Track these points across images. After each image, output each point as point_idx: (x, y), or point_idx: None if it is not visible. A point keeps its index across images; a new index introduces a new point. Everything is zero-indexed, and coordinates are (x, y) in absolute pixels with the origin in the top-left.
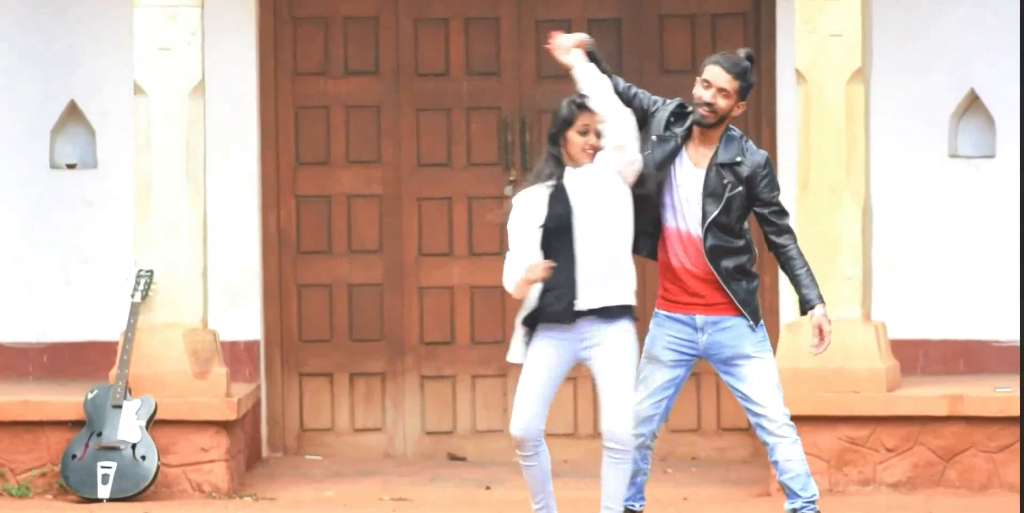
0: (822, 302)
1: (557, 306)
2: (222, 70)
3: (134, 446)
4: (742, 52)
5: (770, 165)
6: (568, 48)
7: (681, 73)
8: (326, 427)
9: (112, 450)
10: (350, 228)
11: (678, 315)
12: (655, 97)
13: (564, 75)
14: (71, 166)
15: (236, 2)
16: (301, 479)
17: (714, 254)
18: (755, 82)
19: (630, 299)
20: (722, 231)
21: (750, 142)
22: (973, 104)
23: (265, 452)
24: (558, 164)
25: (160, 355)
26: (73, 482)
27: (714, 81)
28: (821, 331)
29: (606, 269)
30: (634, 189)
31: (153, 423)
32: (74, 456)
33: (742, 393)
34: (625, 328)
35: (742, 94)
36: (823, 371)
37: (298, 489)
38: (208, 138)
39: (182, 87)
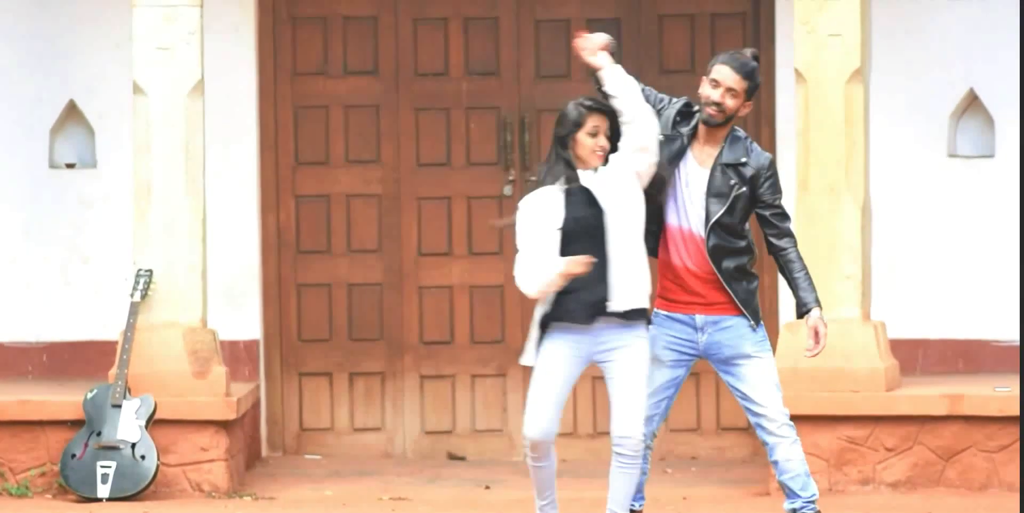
0: (818, 305)
1: (580, 307)
2: (221, 70)
3: (133, 446)
4: (748, 52)
5: (774, 167)
6: (596, 49)
7: (680, 73)
8: (325, 427)
9: (111, 449)
10: (349, 228)
11: (678, 315)
12: (661, 95)
13: (563, 75)
14: (70, 166)
15: (235, 2)
16: (300, 478)
17: (716, 254)
18: (761, 82)
19: (648, 303)
20: (725, 231)
21: (755, 143)
22: (972, 104)
23: (264, 452)
24: (569, 166)
25: (159, 355)
26: (73, 482)
27: (723, 81)
28: (816, 334)
29: (632, 271)
30: (647, 190)
31: (152, 422)
32: (73, 455)
33: (742, 393)
34: (643, 334)
35: (749, 94)
36: (822, 371)
37: (297, 489)
38: (207, 138)
39: (181, 87)
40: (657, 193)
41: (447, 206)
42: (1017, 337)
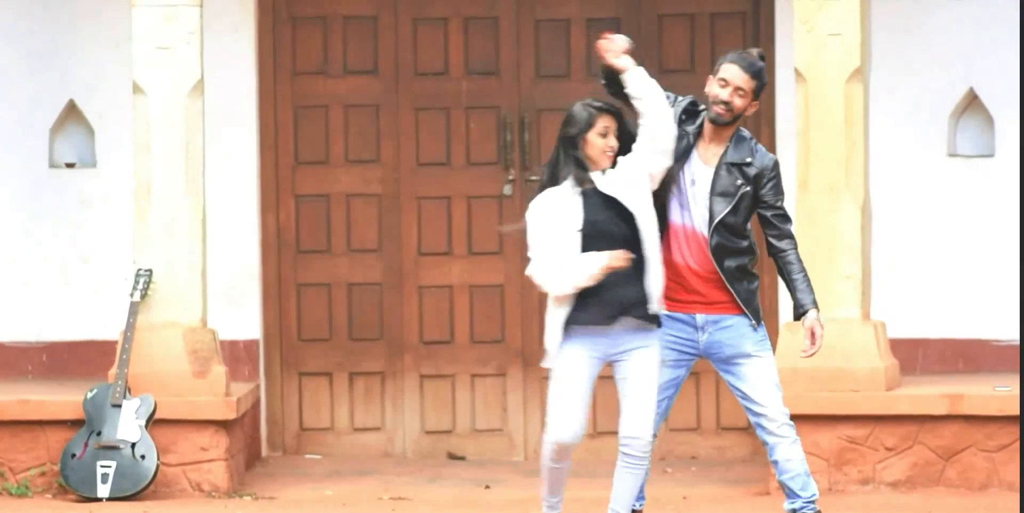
0: (816, 307)
1: (603, 309)
2: (221, 70)
3: (133, 445)
4: (755, 52)
5: (778, 169)
6: (620, 52)
7: (680, 72)
8: (325, 426)
9: (111, 449)
10: (349, 228)
11: (678, 314)
12: (667, 93)
13: (563, 75)
14: (70, 165)
15: (235, 2)
16: (300, 478)
17: (718, 253)
18: (767, 82)
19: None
20: (728, 231)
21: (760, 145)
22: (972, 103)
23: (264, 451)
24: (580, 166)
25: (159, 354)
26: (72, 481)
27: (732, 80)
28: (813, 334)
29: (658, 273)
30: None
31: (152, 422)
32: (73, 455)
33: (742, 392)
34: (657, 336)
35: (756, 93)
36: (822, 370)
37: (297, 488)
38: (207, 138)
39: (181, 87)
40: (661, 192)
41: (447, 206)
42: (1017, 337)
